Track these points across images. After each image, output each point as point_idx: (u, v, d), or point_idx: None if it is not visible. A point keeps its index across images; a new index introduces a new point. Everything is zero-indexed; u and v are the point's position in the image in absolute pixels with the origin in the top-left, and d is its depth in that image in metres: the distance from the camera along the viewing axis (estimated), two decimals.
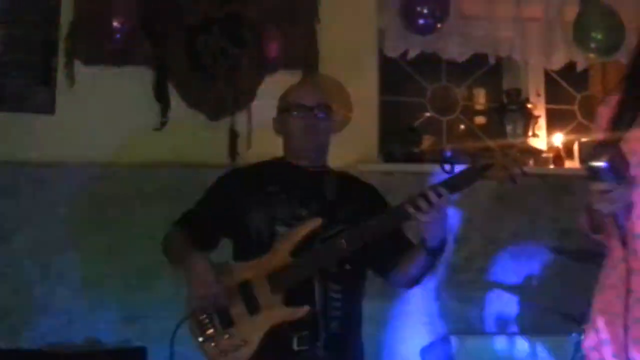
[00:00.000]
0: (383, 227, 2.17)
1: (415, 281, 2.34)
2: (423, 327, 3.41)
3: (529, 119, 3.73)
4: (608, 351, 1.69)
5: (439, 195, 2.08)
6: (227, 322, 2.20)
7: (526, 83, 3.85)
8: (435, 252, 2.20)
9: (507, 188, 3.08)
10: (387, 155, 3.59)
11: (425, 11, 3.42)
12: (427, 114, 3.88)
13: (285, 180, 2.34)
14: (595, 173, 1.52)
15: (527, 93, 3.84)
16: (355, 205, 2.33)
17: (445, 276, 3.47)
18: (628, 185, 1.56)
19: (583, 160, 1.56)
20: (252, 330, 2.18)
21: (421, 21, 3.44)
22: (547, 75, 3.88)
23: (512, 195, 3.49)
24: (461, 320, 3.46)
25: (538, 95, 3.83)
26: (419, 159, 3.60)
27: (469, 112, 3.99)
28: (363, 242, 2.17)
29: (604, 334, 1.70)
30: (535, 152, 3.59)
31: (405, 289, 2.47)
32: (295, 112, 2.35)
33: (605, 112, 1.77)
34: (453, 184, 2.12)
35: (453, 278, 3.49)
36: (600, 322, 1.72)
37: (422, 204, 2.08)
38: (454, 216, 3.44)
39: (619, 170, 1.52)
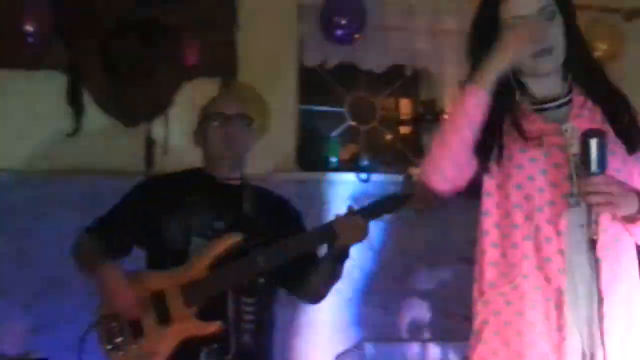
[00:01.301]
0: (301, 247, 2.20)
1: (322, 295, 2.38)
2: (337, 335, 3.44)
3: None
4: (489, 330, 1.77)
5: (360, 222, 2.16)
6: (137, 332, 2.17)
7: (443, 94, 3.93)
8: (341, 259, 2.25)
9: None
10: (305, 164, 3.61)
11: (343, 22, 3.45)
12: (346, 124, 3.93)
13: (203, 191, 2.34)
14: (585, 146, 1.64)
15: (444, 104, 3.93)
16: (272, 219, 2.35)
17: (360, 284, 3.52)
18: None
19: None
20: (162, 342, 2.17)
21: (339, 32, 3.47)
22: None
23: None
24: (375, 328, 3.50)
25: None
26: (336, 168, 3.63)
27: (389, 122, 4.05)
28: (280, 261, 2.19)
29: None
30: None
31: (310, 304, 2.49)
32: (214, 122, 2.34)
33: None
34: (374, 211, 2.19)
35: (368, 285, 3.53)
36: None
37: (343, 228, 2.15)
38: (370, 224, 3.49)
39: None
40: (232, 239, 2.22)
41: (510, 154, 1.77)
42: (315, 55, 3.63)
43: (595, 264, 1.68)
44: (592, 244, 1.67)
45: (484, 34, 1.81)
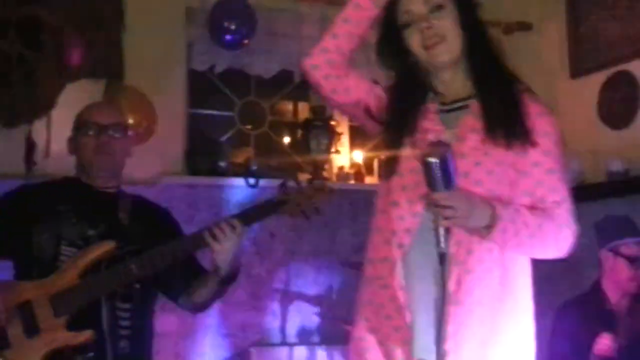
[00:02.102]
0: (175, 254, 2.18)
1: (203, 308, 2.37)
2: (224, 340, 3.43)
3: (332, 135, 3.87)
4: (373, 339, 1.79)
5: (233, 227, 2.15)
6: (2, 343, 2.10)
7: None
8: (227, 280, 2.25)
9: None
10: (193, 168, 3.58)
11: (232, 27, 3.45)
12: (236, 128, 3.92)
13: (76, 200, 2.29)
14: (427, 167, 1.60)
15: (332, 110, 3.98)
16: (147, 228, 2.32)
17: (247, 288, 3.52)
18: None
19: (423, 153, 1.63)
20: (29, 353, 2.10)
21: (228, 37, 3.47)
22: None
23: None
24: (262, 332, 3.51)
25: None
26: (224, 172, 3.62)
27: (280, 127, 4.08)
28: (154, 268, 2.16)
29: (370, 324, 1.80)
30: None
31: (191, 313, 2.48)
32: (89, 131, 2.30)
33: None
34: (248, 217, 2.19)
35: (255, 290, 3.54)
36: (367, 312, 1.82)
37: (217, 233, 2.13)
38: (257, 229, 3.50)
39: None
40: (104, 247, 2.18)
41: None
42: (204, 60, 3.62)
43: (442, 278, 1.67)
44: (442, 257, 1.65)
45: (388, 39, 1.85)
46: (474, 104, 1.78)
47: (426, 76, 1.84)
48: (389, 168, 1.81)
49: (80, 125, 2.33)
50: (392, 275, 1.75)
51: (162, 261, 2.17)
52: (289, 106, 4.16)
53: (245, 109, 3.95)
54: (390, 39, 1.84)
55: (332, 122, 3.91)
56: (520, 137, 1.74)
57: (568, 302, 3.21)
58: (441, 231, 1.64)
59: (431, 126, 1.78)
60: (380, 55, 1.88)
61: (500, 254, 1.74)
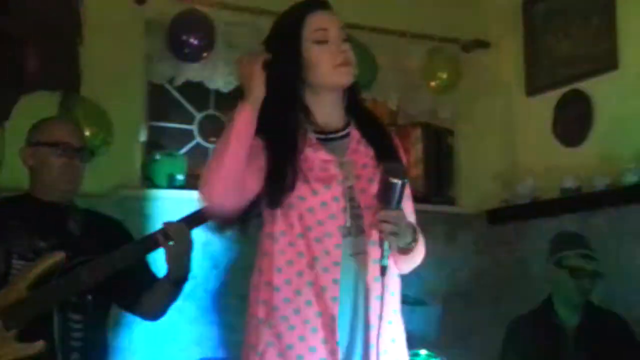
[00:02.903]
0: (126, 259, 2.18)
1: (159, 313, 2.37)
2: (179, 354, 3.41)
3: None
4: (273, 352, 1.81)
5: (181, 230, 2.16)
6: None
7: None
8: (179, 282, 2.25)
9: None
10: (150, 181, 3.57)
11: (191, 40, 3.46)
12: (195, 141, 3.92)
13: (26, 214, 2.29)
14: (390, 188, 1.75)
15: None
16: (100, 240, 2.31)
17: (204, 302, 3.51)
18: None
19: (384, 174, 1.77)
20: None
21: (187, 50, 3.47)
22: None
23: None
24: (219, 346, 3.50)
25: None
26: (183, 185, 3.61)
27: None
28: (105, 274, 2.16)
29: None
30: None
31: (150, 321, 2.47)
32: (59, 152, 2.30)
33: None
34: (197, 219, 2.20)
35: (212, 304, 3.53)
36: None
37: (165, 237, 2.14)
38: (213, 242, 3.49)
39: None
40: (54, 258, 2.17)
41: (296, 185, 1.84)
42: (162, 72, 3.61)
43: (365, 292, 1.82)
44: (383, 270, 1.78)
45: (284, 49, 1.88)
46: (354, 132, 1.93)
47: (305, 103, 1.90)
48: (276, 199, 1.84)
49: (50, 143, 2.32)
50: (323, 302, 1.81)
51: (112, 267, 2.17)
52: None
53: (204, 122, 3.95)
54: (291, 53, 1.87)
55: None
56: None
57: (519, 318, 3.25)
58: (386, 246, 1.78)
59: (325, 156, 1.86)
60: (274, 69, 1.87)
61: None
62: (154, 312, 2.35)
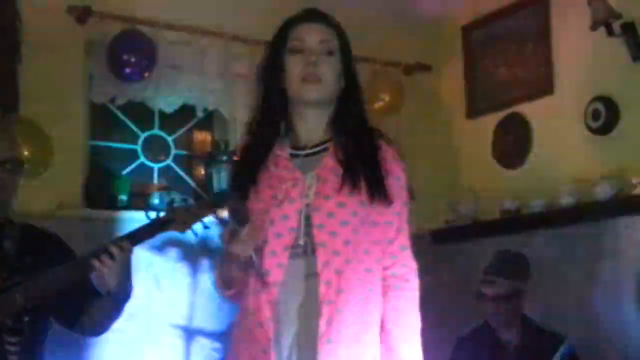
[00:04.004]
0: (62, 280, 2.14)
1: (101, 330, 2.33)
2: None
3: None
4: None
5: (121, 248, 2.13)
6: None
7: (235, 135, 3.99)
8: (120, 300, 2.22)
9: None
10: (93, 201, 3.53)
11: (132, 60, 3.44)
12: (139, 161, 3.89)
13: None
14: (221, 221, 1.76)
15: (236, 145, 3.99)
16: (37, 258, 2.26)
17: (145, 324, 3.46)
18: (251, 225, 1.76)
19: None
20: None
21: (128, 70, 3.45)
22: None
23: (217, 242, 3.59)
24: None
25: None
26: (126, 206, 3.57)
27: (183, 160, 4.06)
28: (41, 296, 2.12)
29: None
30: None
31: (92, 337, 2.44)
32: None
33: None
34: (135, 237, 2.17)
35: (153, 325, 3.49)
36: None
37: (104, 257, 2.11)
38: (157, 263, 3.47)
39: (240, 216, 1.76)
40: None
41: (250, 203, 1.84)
42: (104, 92, 3.57)
43: (316, 312, 1.77)
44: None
45: (268, 59, 1.90)
46: (332, 146, 1.86)
47: (287, 114, 1.88)
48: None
49: None
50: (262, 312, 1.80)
51: (49, 288, 2.12)
52: (199, 136, 4.15)
53: (148, 142, 3.93)
54: (272, 63, 1.88)
55: (236, 158, 3.91)
56: (380, 196, 1.82)
57: (462, 338, 3.30)
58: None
59: (285, 174, 1.83)
60: (261, 78, 1.90)
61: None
62: (96, 329, 2.31)
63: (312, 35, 1.85)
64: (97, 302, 2.25)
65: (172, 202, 2.21)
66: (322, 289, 1.76)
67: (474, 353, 3.20)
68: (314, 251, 1.79)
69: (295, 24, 1.88)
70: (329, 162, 1.84)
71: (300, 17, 1.90)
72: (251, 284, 1.84)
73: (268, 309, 1.78)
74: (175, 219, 2.15)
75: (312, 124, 1.88)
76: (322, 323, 1.76)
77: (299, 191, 1.81)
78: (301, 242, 1.79)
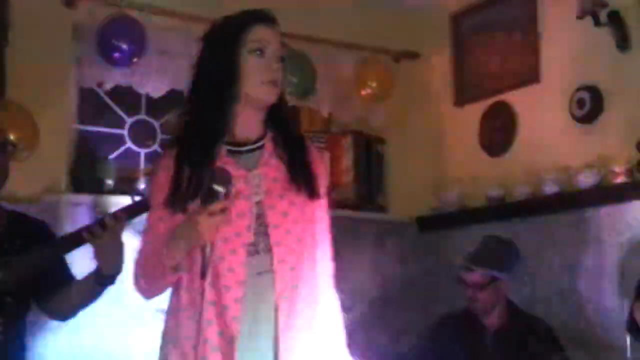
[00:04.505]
0: (45, 258, 2.15)
1: (70, 314, 2.34)
2: None
3: None
4: None
5: (116, 218, 2.14)
6: None
7: None
8: (107, 282, 2.24)
9: None
10: (79, 185, 3.53)
11: (121, 44, 3.43)
12: (126, 146, 3.89)
13: None
14: (215, 194, 1.71)
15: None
16: (24, 242, 2.27)
17: (135, 308, 3.47)
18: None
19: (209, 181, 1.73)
20: None
21: (116, 54, 3.45)
22: None
23: None
24: (143, 354, 3.46)
25: None
26: (111, 190, 3.57)
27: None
28: (24, 274, 2.13)
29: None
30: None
31: (58, 321, 2.45)
32: None
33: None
34: (128, 211, 2.18)
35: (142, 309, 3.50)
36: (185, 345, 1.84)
37: (96, 228, 2.12)
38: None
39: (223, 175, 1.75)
40: None
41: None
42: (92, 76, 3.57)
43: (275, 312, 1.82)
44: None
45: (221, 52, 1.88)
46: (268, 144, 1.91)
47: (228, 113, 1.89)
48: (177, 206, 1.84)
49: None
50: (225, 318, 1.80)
51: (31, 267, 2.13)
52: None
53: (135, 127, 3.93)
54: (227, 58, 1.87)
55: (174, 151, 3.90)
56: (316, 194, 1.91)
57: (447, 315, 3.36)
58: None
59: (233, 171, 1.82)
60: (212, 73, 1.88)
61: None
62: (64, 313, 2.32)
63: (272, 40, 1.89)
64: (75, 283, 2.27)
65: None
66: (278, 286, 1.82)
67: (455, 332, 3.27)
68: (267, 249, 1.83)
69: (252, 24, 1.89)
70: (271, 161, 1.89)
71: (257, 18, 1.91)
72: (184, 281, 1.83)
73: (236, 308, 1.79)
74: None
75: (251, 122, 1.91)
76: (282, 317, 1.82)
77: (249, 189, 1.84)
78: (253, 240, 1.83)
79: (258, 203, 1.83)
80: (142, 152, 3.92)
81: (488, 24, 4.05)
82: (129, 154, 3.90)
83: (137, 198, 2.31)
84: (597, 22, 3.41)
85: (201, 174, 1.80)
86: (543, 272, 3.57)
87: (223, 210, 1.72)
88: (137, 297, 3.41)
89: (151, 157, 3.93)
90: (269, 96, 1.89)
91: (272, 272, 1.82)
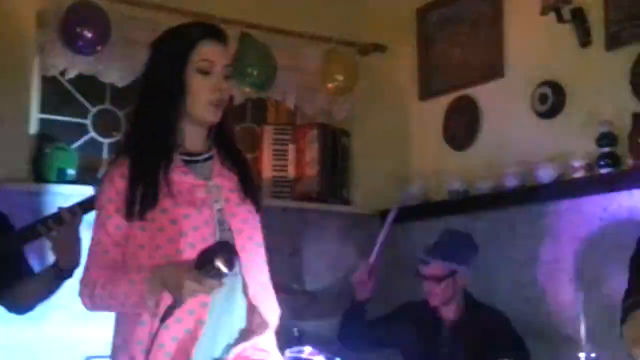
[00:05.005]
0: (4, 248, 2.13)
1: (27, 308, 2.33)
2: (65, 352, 3.35)
3: None
4: None
5: (73, 213, 2.13)
6: None
7: None
8: (65, 275, 2.22)
9: None
10: (39, 175, 3.49)
11: (85, 33, 3.39)
12: (88, 135, 3.86)
13: None
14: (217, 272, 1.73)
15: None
16: None
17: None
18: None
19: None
20: None
21: (80, 43, 3.41)
22: None
23: None
24: (104, 345, 3.45)
25: None
26: (74, 180, 3.54)
27: None
28: None
29: None
30: None
31: (15, 314, 2.42)
32: None
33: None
34: (85, 204, 2.17)
35: None
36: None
37: (51, 222, 2.10)
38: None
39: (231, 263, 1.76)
40: None
41: (165, 208, 1.85)
42: (54, 65, 3.53)
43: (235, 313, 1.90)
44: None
45: (168, 69, 1.90)
46: (216, 155, 1.98)
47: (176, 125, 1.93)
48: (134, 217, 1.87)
49: None
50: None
51: None
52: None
53: (99, 117, 3.90)
54: (173, 75, 1.89)
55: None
56: (259, 204, 2.01)
57: (410, 302, 3.45)
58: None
59: (193, 180, 1.90)
60: (159, 88, 1.91)
61: None
62: (22, 305, 2.30)
63: (220, 59, 1.91)
64: (34, 276, 2.25)
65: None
66: (251, 287, 1.91)
67: (413, 322, 3.33)
68: None
69: (200, 41, 1.90)
70: (224, 171, 1.96)
71: (207, 34, 1.92)
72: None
73: (204, 311, 1.83)
74: None
75: (196, 136, 1.96)
76: (256, 315, 1.93)
77: (210, 197, 1.89)
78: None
79: (219, 211, 1.89)
80: (106, 142, 3.90)
81: (454, 18, 4.08)
82: (92, 144, 3.87)
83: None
84: (560, 19, 3.45)
85: (156, 183, 1.84)
86: (503, 265, 3.61)
87: (212, 289, 1.75)
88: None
89: (115, 147, 3.91)
90: (212, 117, 1.93)
91: (240, 275, 1.89)
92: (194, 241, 1.83)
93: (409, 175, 4.20)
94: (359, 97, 4.20)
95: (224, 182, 1.94)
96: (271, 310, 1.99)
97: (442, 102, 4.10)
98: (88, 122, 3.86)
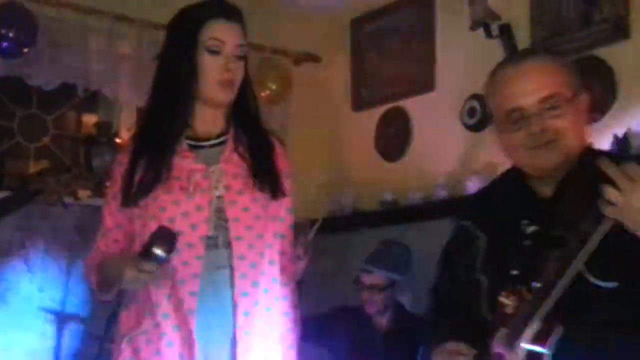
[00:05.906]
0: None
1: None
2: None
3: (116, 152, 3.81)
4: None
5: None
6: None
7: (117, 117, 3.91)
8: None
9: (88, 217, 3.17)
10: None
11: (10, 34, 3.31)
12: (15, 140, 3.76)
13: None
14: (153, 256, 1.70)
15: (118, 126, 3.91)
16: None
17: (16, 307, 3.36)
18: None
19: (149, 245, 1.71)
20: None
21: (5, 44, 3.32)
22: None
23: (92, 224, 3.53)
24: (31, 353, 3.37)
25: (128, 130, 3.93)
26: None
27: (63, 141, 3.94)
28: None
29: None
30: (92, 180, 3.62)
31: None
32: None
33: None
34: (1, 207, 2.11)
35: (25, 310, 3.39)
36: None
37: None
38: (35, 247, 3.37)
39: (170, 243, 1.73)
40: None
41: (156, 195, 1.82)
42: None
43: (232, 308, 1.81)
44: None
45: (178, 49, 1.86)
46: (230, 141, 1.90)
47: (187, 108, 1.88)
48: (129, 198, 1.84)
49: None
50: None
51: None
52: (83, 118, 4.04)
53: (25, 121, 3.80)
54: (183, 55, 1.85)
55: (118, 140, 3.85)
56: (279, 192, 1.90)
57: (342, 307, 3.45)
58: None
59: (191, 165, 1.84)
60: (169, 71, 1.87)
61: None
62: None
63: (231, 38, 1.85)
64: None
65: (41, 172, 2.17)
66: (237, 281, 1.80)
67: (346, 327, 3.33)
68: (226, 244, 1.82)
69: (210, 20, 1.85)
70: (233, 156, 1.87)
71: (217, 12, 1.87)
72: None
73: (192, 300, 1.78)
74: (44, 188, 2.12)
75: (211, 117, 1.90)
76: (240, 315, 1.81)
77: (209, 183, 1.83)
78: (212, 234, 1.81)
79: (219, 198, 1.82)
80: (33, 146, 3.80)
81: (387, 30, 4.12)
82: (18, 149, 3.78)
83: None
84: (488, 34, 3.52)
85: (156, 168, 1.80)
86: (429, 276, 3.64)
87: (152, 273, 1.70)
88: (19, 297, 3.37)
89: (41, 153, 3.82)
90: (223, 97, 1.86)
91: (230, 268, 1.81)
92: (183, 228, 1.78)
93: (341, 185, 4.22)
94: (294, 107, 4.20)
95: (230, 168, 1.85)
96: (255, 314, 1.84)
97: (375, 113, 4.13)
98: (14, 126, 3.76)
